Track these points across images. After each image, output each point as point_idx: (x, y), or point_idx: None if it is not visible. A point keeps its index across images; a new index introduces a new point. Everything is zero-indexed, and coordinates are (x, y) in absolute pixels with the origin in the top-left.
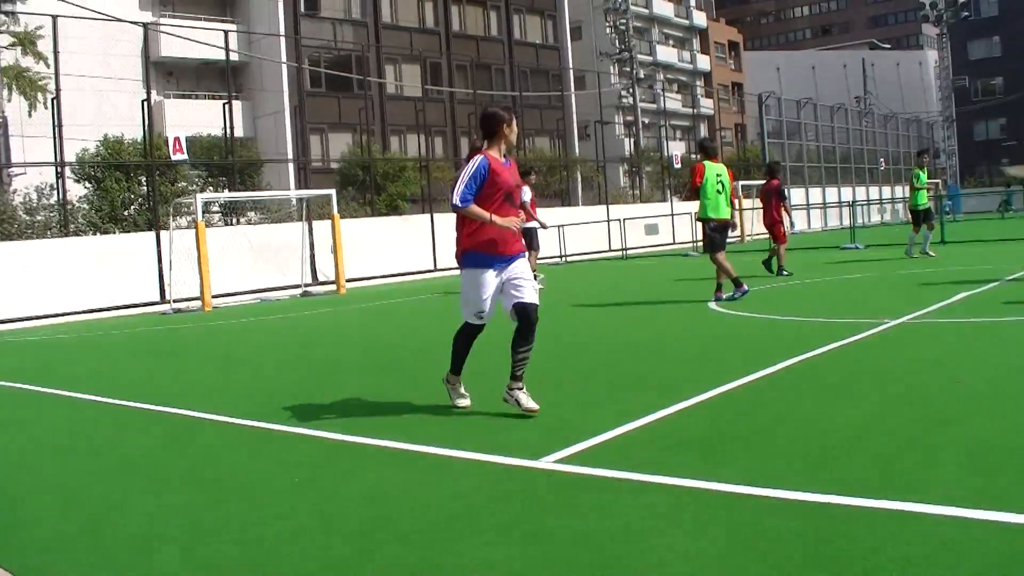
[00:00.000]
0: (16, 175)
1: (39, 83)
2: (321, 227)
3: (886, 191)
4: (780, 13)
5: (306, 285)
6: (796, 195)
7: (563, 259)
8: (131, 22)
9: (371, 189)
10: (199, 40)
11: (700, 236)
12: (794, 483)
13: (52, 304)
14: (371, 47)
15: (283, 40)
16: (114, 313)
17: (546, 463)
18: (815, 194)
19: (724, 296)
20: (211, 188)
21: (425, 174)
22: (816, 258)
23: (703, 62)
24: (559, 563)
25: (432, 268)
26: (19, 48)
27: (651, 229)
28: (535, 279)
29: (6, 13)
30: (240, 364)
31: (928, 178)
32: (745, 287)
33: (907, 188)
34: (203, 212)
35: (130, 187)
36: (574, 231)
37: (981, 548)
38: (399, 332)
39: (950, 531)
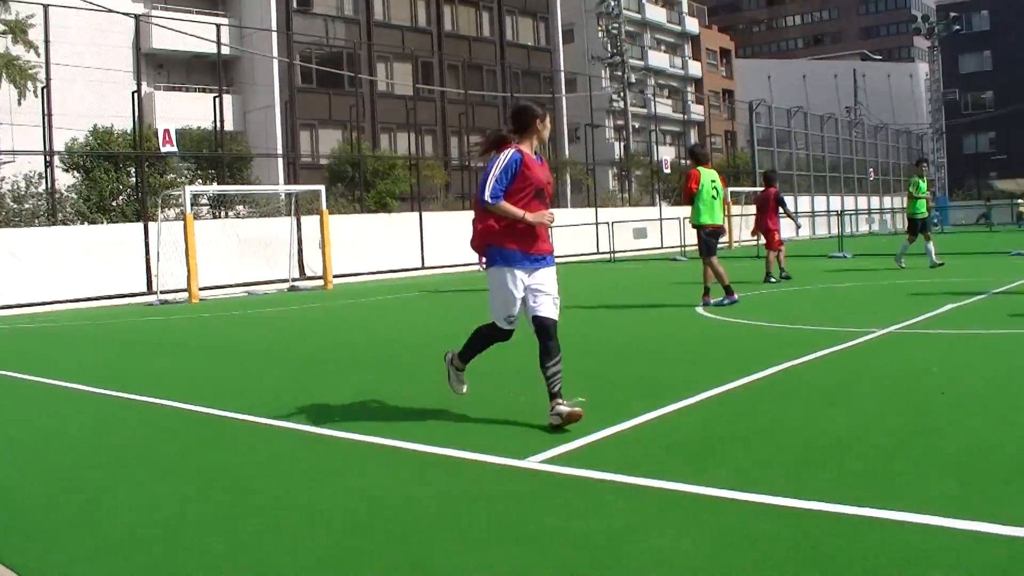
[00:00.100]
0: (4, 163)
1: (29, 72)
2: (309, 222)
3: (875, 201)
4: (772, 22)
5: (293, 280)
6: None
7: None
8: (123, 13)
9: (360, 186)
10: (190, 33)
11: (688, 241)
12: (782, 488)
13: (39, 292)
14: (363, 44)
15: (275, 35)
16: (101, 303)
17: (533, 463)
18: (804, 202)
19: (712, 301)
20: (200, 181)
21: (415, 172)
22: (804, 266)
23: (694, 68)
24: (544, 564)
25: (420, 266)
26: (9, 36)
27: (639, 233)
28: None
29: None
30: (226, 357)
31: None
32: (736, 296)
33: (905, 198)
34: (191, 204)
35: (119, 178)
36: (562, 233)
37: (967, 557)
38: (386, 329)
39: (936, 540)
